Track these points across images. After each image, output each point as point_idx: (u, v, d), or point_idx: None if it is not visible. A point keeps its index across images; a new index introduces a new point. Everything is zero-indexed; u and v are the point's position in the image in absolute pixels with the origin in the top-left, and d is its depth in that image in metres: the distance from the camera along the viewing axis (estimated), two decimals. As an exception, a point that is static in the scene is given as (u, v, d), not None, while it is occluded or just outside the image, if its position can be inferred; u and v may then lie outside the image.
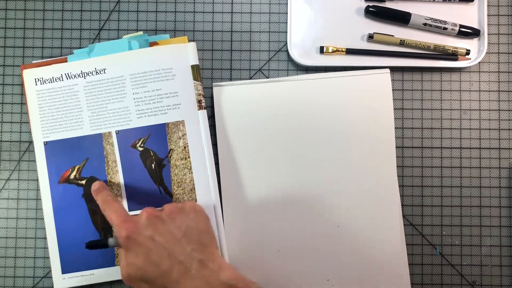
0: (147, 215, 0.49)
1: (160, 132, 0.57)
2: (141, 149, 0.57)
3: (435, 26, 0.58)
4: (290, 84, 0.58)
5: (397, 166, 0.58)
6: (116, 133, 0.57)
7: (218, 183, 0.57)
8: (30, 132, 0.59)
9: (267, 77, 0.60)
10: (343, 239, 0.57)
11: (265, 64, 0.60)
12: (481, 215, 0.59)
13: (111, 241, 0.50)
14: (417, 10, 0.59)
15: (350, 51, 0.59)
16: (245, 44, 0.60)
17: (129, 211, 0.56)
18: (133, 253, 0.48)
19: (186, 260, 0.47)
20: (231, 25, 0.60)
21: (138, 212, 0.56)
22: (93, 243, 0.50)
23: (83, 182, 0.57)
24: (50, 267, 0.57)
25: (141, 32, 0.59)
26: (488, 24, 0.60)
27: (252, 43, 0.60)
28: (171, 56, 0.56)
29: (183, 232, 0.48)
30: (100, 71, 0.57)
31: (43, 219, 0.58)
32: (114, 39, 0.60)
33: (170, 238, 0.48)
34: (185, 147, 0.56)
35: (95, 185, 0.55)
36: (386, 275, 0.57)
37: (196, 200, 0.56)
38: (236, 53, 0.60)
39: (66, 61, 0.58)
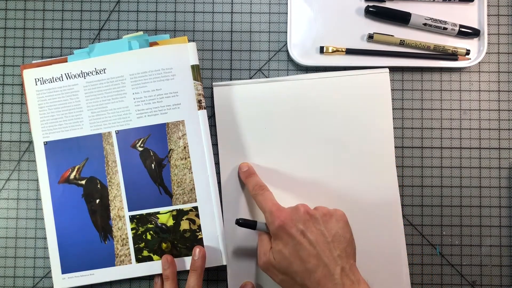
0: (304, 210, 0.50)
1: (160, 132, 0.57)
2: (141, 149, 0.57)
3: (435, 26, 0.58)
4: (290, 84, 0.58)
5: (397, 166, 0.58)
6: (116, 133, 0.57)
7: (218, 183, 0.57)
8: (30, 132, 0.59)
9: (267, 77, 0.60)
10: (343, 239, 0.57)
11: (265, 64, 0.60)
12: (481, 215, 0.59)
13: (259, 225, 0.52)
14: (417, 10, 0.59)
15: (350, 51, 0.59)
16: (245, 44, 0.60)
17: (129, 211, 0.57)
18: (282, 242, 0.49)
19: (330, 264, 0.47)
20: (231, 25, 0.60)
21: (138, 212, 0.56)
22: (244, 221, 0.53)
23: (83, 182, 0.57)
24: (50, 267, 0.57)
25: (141, 32, 0.59)
26: (488, 24, 0.60)
27: (252, 43, 0.60)
28: (171, 56, 0.56)
29: (332, 236, 0.49)
30: (100, 71, 0.57)
31: (43, 219, 0.58)
32: (114, 39, 0.60)
33: (321, 239, 0.49)
34: (185, 147, 0.56)
35: (243, 167, 0.57)
36: (386, 275, 0.57)
37: (196, 200, 0.56)
38: (236, 53, 0.60)
39: (66, 61, 0.58)
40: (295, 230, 0.49)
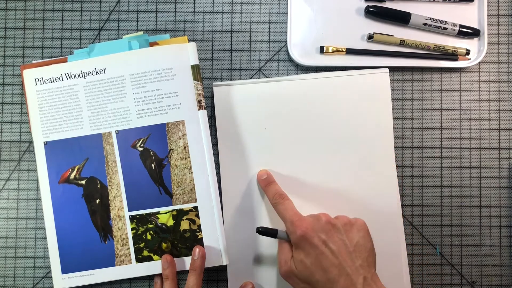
0: (325, 219, 0.50)
1: (160, 132, 0.57)
2: (141, 149, 0.57)
3: (435, 26, 0.58)
4: (290, 83, 0.58)
5: (397, 166, 0.58)
6: (116, 133, 0.57)
7: (218, 183, 0.57)
8: (30, 132, 0.59)
9: (267, 77, 0.60)
10: (343, 239, 0.57)
11: (265, 64, 0.60)
12: (481, 215, 0.59)
13: (280, 233, 0.52)
14: (417, 10, 0.59)
15: (350, 51, 0.59)
16: (245, 44, 0.60)
17: (129, 211, 0.57)
18: (303, 252, 0.49)
19: (353, 274, 0.48)
20: (231, 25, 0.60)
21: (138, 212, 0.56)
22: (265, 229, 0.52)
23: (83, 182, 0.57)
24: (50, 267, 0.57)
25: (141, 32, 0.59)
26: (488, 24, 0.60)
27: (252, 43, 0.60)
28: (171, 56, 0.56)
29: (354, 246, 0.49)
30: (100, 71, 0.57)
31: (43, 219, 0.58)
32: (114, 39, 0.60)
33: (343, 249, 0.49)
34: (185, 147, 0.56)
35: (262, 175, 0.57)
36: (386, 275, 0.57)
37: (195, 200, 0.56)
38: (236, 53, 0.60)
39: (66, 61, 0.58)
40: (317, 239, 0.49)
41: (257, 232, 0.52)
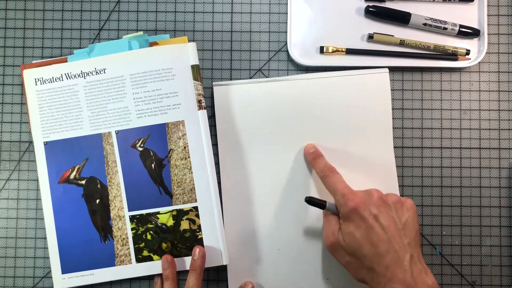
0: (377, 195, 0.51)
1: (160, 132, 0.57)
2: (141, 149, 0.57)
3: (435, 26, 0.58)
4: (290, 83, 0.58)
5: (397, 166, 0.58)
6: (116, 133, 0.57)
7: (218, 183, 0.57)
8: (30, 132, 0.59)
9: (267, 77, 0.60)
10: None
11: (265, 64, 0.60)
12: (481, 215, 0.59)
13: (329, 205, 0.53)
14: (417, 10, 0.59)
15: (350, 51, 0.59)
16: (245, 44, 0.60)
17: (129, 211, 0.57)
18: (353, 224, 0.50)
19: (400, 251, 0.48)
20: (231, 25, 0.60)
21: (138, 212, 0.56)
22: (313, 200, 0.53)
23: (83, 182, 0.57)
24: (50, 267, 0.57)
25: (141, 32, 0.59)
26: (488, 24, 0.60)
27: (252, 43, 0.60)
28: (171, 56, 0.57)
29: (403, 224, 0.50)
30: (100, 71, 0.57)
31: (43, 219, 0.58)
32: (114, 39, 0.60)
33: (393, 225, 0.49)
34: (185, 147, 0.56)
35: (309, 148, 0.57)
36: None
37: (196, 200, 0.56)
38: (236, 53, 0.60)
39: (66, 61, 0.58)
40: (368, 213, 0.49)
41: (305, 201, 0.52)
